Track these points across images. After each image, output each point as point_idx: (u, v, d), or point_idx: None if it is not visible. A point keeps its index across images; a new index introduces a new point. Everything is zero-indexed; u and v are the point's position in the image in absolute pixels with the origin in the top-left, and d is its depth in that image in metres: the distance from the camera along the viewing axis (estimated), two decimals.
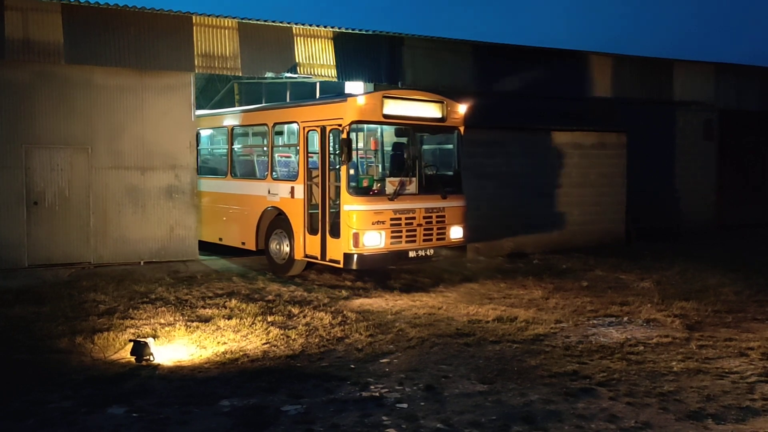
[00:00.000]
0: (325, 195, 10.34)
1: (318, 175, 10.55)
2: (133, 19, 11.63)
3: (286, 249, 11.21)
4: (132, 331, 7.84)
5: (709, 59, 19.87)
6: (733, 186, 18.90)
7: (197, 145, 13.26)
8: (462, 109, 10.94)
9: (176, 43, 12.02)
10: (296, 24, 13.08)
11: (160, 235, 12.12)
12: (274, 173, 11.67)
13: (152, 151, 12.02)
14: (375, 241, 9.96)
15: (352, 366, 6.70)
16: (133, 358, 6.81)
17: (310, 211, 10.72)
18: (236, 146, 13.21)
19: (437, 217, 10.62)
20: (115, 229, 11.80)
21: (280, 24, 12.96)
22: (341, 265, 10.08)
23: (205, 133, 14.08)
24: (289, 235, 11.09)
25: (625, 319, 8.69)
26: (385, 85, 14.08)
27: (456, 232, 10.86)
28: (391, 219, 10.12)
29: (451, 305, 9.40)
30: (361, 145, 11.25)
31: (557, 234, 14.34)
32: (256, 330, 7.94)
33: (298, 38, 13.15)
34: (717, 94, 18.65)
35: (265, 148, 12.16)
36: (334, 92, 14.42)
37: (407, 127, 10.54)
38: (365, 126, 10.86)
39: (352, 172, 10.04)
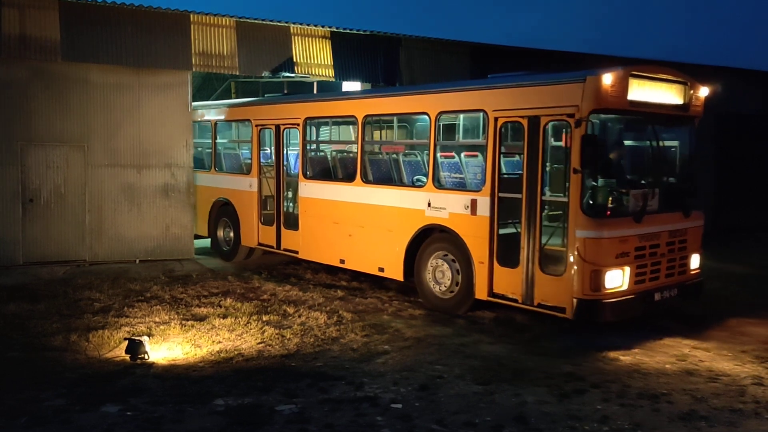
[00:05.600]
0: (533, 213, 7.76)
1: (522, 185, 7.86)
2: (130, 17, 11.60)
3: (456, 281, 8.72)
4: (127, 329, 7.84)
5: (708, 62, 19.91)
6: (730, 189, 18.93)
7: (304, 137, 11.00)
8: (704, 92, 8.54)
9: (174, 41, 12.00)
10: (294, 23, 13.06)
11: (156, 233, 12.11)
12: (437, 181, 8.98)
13: (148, 149, 12.01)
14: (618, 280, 7.43)
15: (347, 366, 6.71)
16: (127, 357, 6.81)
17: (501, 232, 8.18)
18: (372, 142, 10.58)
19: (679, 242, 8.22)
20: (111, 227, 11.79)
21: (278, 23, 12.94)
22: (567, 315, 7.45)
23: (315, 123, 11.43)
24: (464, 263, 8.55)
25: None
26: (382, 85, 14.04)
27: (695, 262, 8.56)
28: (636, 249, 7.58)
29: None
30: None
31: None
32: (251, 329, 7.94)
33: (296, 37, 13.15)
34: (715, 97, 18.65)
35: (423, 146, 9.54)
36: (335, 91, 14.24)
37: (647, 118, 7.97)
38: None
39: (592, 183, 7.40)
